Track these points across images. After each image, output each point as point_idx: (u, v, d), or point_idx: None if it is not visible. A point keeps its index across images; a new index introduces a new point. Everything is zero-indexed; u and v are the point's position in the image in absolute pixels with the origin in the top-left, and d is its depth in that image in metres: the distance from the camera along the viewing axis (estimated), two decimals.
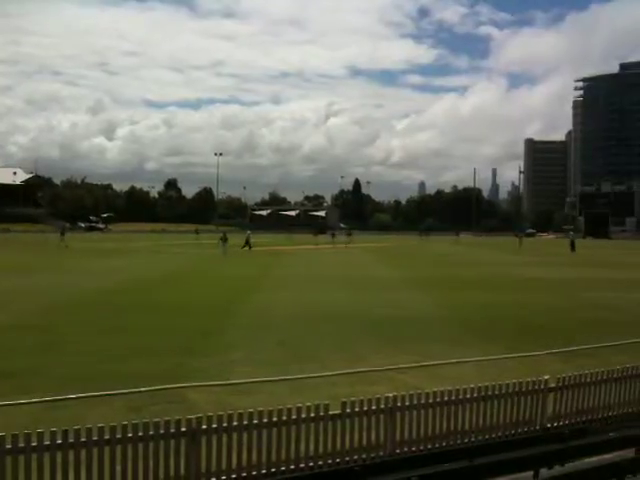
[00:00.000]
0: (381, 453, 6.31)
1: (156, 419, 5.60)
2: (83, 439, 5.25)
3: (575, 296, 20.68)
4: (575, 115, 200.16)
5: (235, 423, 5.78)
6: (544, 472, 5.90)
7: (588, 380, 7.57)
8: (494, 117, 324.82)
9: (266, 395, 8.46)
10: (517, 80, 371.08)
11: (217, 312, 16.30)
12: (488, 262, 39.70)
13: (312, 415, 6.06)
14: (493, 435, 6.92)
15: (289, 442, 5.95)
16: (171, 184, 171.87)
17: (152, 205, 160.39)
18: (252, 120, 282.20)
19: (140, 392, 8.49)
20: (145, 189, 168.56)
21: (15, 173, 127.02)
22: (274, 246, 56.47)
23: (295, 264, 36.30)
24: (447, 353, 11.27)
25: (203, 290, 21.73)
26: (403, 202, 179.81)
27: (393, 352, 11.40)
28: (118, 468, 5.36)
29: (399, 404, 6.45)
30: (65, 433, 5.22)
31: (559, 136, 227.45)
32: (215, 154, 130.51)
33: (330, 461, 6.10)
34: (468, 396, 6.82)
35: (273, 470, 5.89)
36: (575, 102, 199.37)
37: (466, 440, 6.76)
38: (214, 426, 5.68)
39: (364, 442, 6.27)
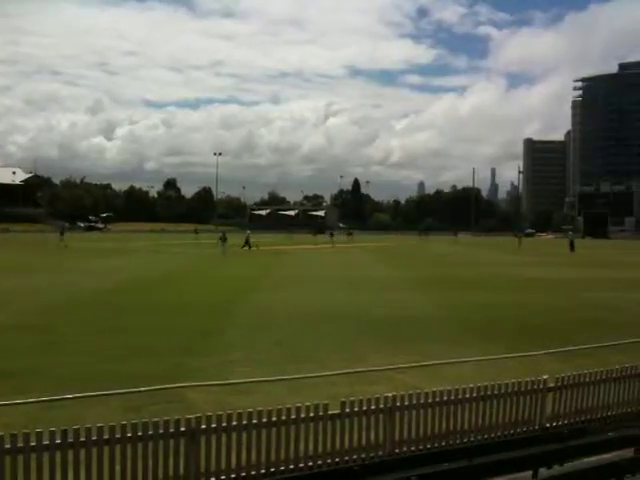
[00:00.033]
0: (380, 453, 6.32)
1: (155, 419, 5.60)
2: (82, 439, 5.25)
3: (574, 296, 20.70)
4: (574, 115, 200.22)
5: (234, 423, 5.78)
6: (543, 472, 5.90)
7: (587, 380, 7.58)
8: (493, 117, 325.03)
9: (265, 395, 8.46)
10: (516, 80, 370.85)
11: (216, 312, 16.30)
12: (487, 262, 39.72)
13: (311, 415, 6.07)
14: (492, 435, 6.93)
15: (288, 442, 5.95)
16: (170, 184, 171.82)
17: (151, 205, 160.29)
18: (251, 120, 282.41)
19: (139, 392, 8.49)
20: (144, 189, 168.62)
21: (14, 173, 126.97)
22: (273, 246, 56.46)
23: (294, 264, 36.31)
24: (446, 353, 11.27)
25: (202, 290, 21.73)
26: (402, 202, 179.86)
27: (392, 352, 11.40)
28: (117, 468, 5.36)
29: (398, 404, 6.46)
30: (64, 433, 5.22)
31: (558, 136, 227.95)
32: (214, 154, 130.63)
33: (329, 461, 6.10)
34: (467, 396, 6.83)
35: (272, 470, 5.89)
36: (574, 102, 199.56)
37: (465, 440, 6.76)
38: (213, 426, 5.69)
39: (363, 442, 6.27)
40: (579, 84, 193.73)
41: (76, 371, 9.75)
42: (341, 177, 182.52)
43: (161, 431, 5.50)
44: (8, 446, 5.04)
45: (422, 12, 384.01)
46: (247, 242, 49.11)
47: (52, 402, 8.03)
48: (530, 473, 5.86)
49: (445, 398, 6.71)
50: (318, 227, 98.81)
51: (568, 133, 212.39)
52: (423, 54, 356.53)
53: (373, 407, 6.35)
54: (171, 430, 5.53)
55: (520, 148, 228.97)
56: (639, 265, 38.07)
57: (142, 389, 8.58)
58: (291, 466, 5.96)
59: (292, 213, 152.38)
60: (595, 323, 15.18)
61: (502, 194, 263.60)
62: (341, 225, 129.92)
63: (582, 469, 5.96)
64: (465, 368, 10.32)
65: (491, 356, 11.15)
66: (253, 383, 9.21)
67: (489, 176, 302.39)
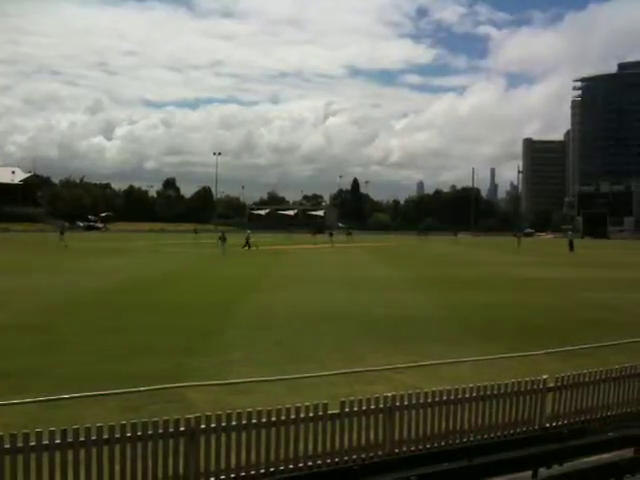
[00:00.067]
0: (380, 452, 6.32)
1: (155, 419, 5.60)
2: (82, 439, 5.25)
3: (574, 296, 20.71)
4: (573, 115, 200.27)
5: (234, 423, 5.78)
6: (543, 472, 5.90)
7: (587, 380, 7.59)
8: (493, 117, 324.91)
9: (265, 395, 8.46)
10: (516, 80, 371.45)
11: (216, 312, 16.30)
12: (487, 262, 39.73)
13: (311, 415, 6.07)
14: (492, 435, 6.94)
15: (288, 442, 5.95)
16: (170, 183, 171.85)
17: (151, 204, 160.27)
18: (251, 120, 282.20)
19: (139, 392, 8.49)
20: (144, 188, 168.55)
21: (14, 172, 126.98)
22: (273, 245, 56.46)
23: (294, 264, 36.31)
24: (446, 353, 11.27)
25: (202, 290, 21.72)
26: (402, 202, 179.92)
27: (392, 352, 11.40)
28: (117, 468, 5.36)
29: (398, 404, 6.46)
30: (64, 433, 5.22)
31: (557, 136, 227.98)
32: (214, 154, 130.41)
33: (329, 460, 6.10)
34: (467, 396, 6.83)
35: (272, 470, 5.89)
36: (573, 102, 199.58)
37: (465, 440, 6.77)
38: (213, 426, 5.69)
39: (363, 441, 6.28)
40: (578, 84, 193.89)
41: (76, 371, 9.75)
42: (340, 177, 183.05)
43: (161, 431, 5.50)
44: (8, 446, 5.04)
45: (422, 12, 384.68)
46: (247, 242, 49.12)
47: (52, 402, 8.03)
48: (530, 473, 5.86)
49: (445, 398, 6.71)
50: (317, 227, 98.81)
51: (567, 133, 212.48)
52: (423, 54, 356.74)
53: (373, 407, 6.36)
54: (171, 430, 5.53)
55: (520, 148, 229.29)
56: (638, 265, 38.09)
57: (141, 389, 8.58)
58: (291, 466, 5.96)
59: (291, 213, 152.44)
60: (594, 323, 15.19)
61: (502, 194, 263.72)
62: (340, 225, 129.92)
63: (582, 469, 5.96)
64: (464, 368, 10.32)
65: (491, 356, 11.16)
66: (253, 383, 9.21)
67: (489, 176, 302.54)
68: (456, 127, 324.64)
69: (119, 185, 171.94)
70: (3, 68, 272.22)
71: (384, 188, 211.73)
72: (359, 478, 5.59)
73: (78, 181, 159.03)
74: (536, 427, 7.18)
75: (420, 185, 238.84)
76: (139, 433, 5.43)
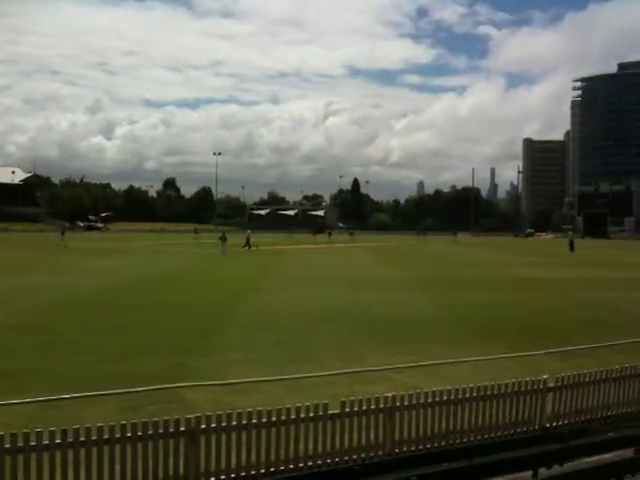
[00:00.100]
0: (380, 452, 6.32)
1: (155, 419, 5.60)
2: (82, 439, 5.25)
3: (574, 296, 20.70)
4: (573, 115, 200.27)
5: (234, 423, 5.78)
6: (543, 472, 5.90)
7: (587, 380, 7.58)
8: (492, 117, 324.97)
9: (265, 395, 8.46)
10: (515, 80, 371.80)
11: (216, 312, 16.30)
12: (487, 262, 39.73)
13: (311, 415, 6.07)
14: (492, 435, 6.93)
15: (288, 442, 5.95)
16: (170, 183, 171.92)
17: (151, 205, 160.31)
18: (251, 120, 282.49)
19: (138, 392, 8.49)
20: (144, 188, 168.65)
21: (14, 172, 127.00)
22: (273, 245, 56.47)
23: (294, 264, 36.31)
24: (446, 353, 11.27)
25: (202, 290, 21.72)
26: (402, 202, 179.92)
27: (392, 352, 11.40)
28: (117, 468, 5.35)
29: (398, 404, 6.46)
30: (64, 433, 5.22)
31: (557, 136, 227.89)
32: (214, 154, 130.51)
33: (329, 460, 6.10)
34: (467, 396, 6.83)
35: (272, 470, 5.89)
36: (573, 102, 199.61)
37: (465, 440, 6.76)
38: (213, 426, 5.68)
39: (363, 442, 6.27)
40: (578, 84, 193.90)
41: (76, 371, 9.74)
42: (341, 177, 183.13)
43: (161, 431, 5.50)
44: (8, 446, 5.04)
45: (421, 12, 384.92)
46: (248, 242, 49.13)
47: (52, 402, 8.03)
48: (530, 473, 5.87)
49: (445, 398, 6.71)
50: (318, 227, 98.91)
51: (567, 133, 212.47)
52: (423, 54, 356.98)
53: (373, 407, 6.35)
54: (171, 430, 5.53)
55: (519, 148, 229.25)
56: (638, 265, 38.08)
57: (140, 389, 8.58)
58: (291, 466, 5.96)
59: (292, 213, 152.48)
60: (594, 323, 15.18)
61: (502, 194, 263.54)
62: (340, 225, 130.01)
63: (582, 469, 5.96)
64: (464, 368, 10.32)
65: (491, 356, 11.15)
66: (253, 383, 9.21)
67: (489, 176, 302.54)
68: (456, 127, 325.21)
69: (119, 185, 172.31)
70: (3, 68, 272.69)
71: (384, 188, 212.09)
72: (359, 478, 5.60)
73: (78, 181, 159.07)
74: (536, 427, 7.17)
75: (420, 185, 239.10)
76: (139, 433, 5.42)
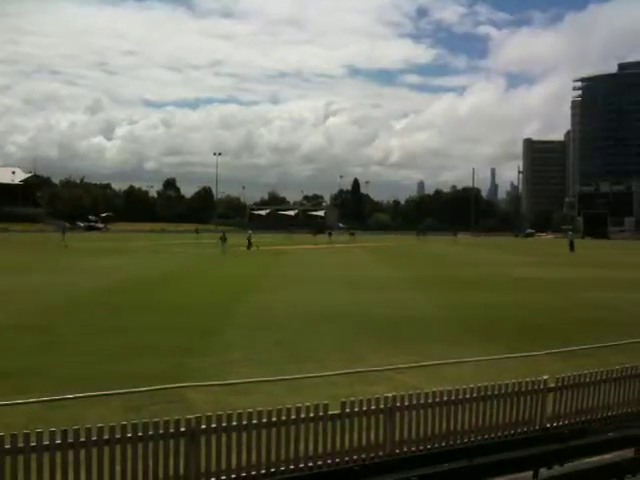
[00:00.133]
0: (381, 453, 6.31)
1: (155, 419, 5.60)
2: (82, 439, 5.25)
3: (574, 296, 20.70)
4: (574, 115, 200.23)
5: (234, 423, 5.78)
6: (543, 472, 5.90)
7: (587, 380, 7.58)
8: (493, 117, 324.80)
9: (265, 395, 8.46)
10: (515, 80, 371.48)
11: (216, 312, 16.30)
12: (487, 262, 39.72)
13: (311, 415, 6.06)
14: (492, 435, 6.93)
15: (288, 442, 5.95)
16: (170, 184, 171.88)
17: (151, 205, 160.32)
18: (251, 120, 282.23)
19: (139, 392, 8.49)
20: (144, 189, 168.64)
21: (14, 172, 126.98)
22: (273, 246, 56.48)
23: (294, 264, 36.31)
24: (446, 353, 11.27)
25: (202, 290, 21.72)
26: (402, 202, 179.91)
27: (392, 352, 11.40)
28: (118, 468, 5.35)
29: (398, 404, 6.45)
30: (64, 433, 5.22)
31: (558, 136, 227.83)
32: (214, 154, 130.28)
33: (330, 461, 6.10)
34: (467, 396, 6.82)
35: (273, 470, 5.89)
36: (573, 102, 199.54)
37: (465, 440, 6.76)
38: (213, 426, 5.68)
39: (364, 442, 6.27)
40: (578, 84, 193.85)
41: (76, 371, 9.74)
42: (341, 177, 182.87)
43: (161, 431, 5.50)
44: (8, 446, 5.04)
45: (421, 12, 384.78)
46: (249, 242, 49.17)
47: (52, 402, 8.03)
48: (530, 473, 5.87)
49: (445, 398, 6.71)
50: (318, 227, 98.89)
51: (568, 133, 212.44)
52: (422, 54, 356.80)
53: (373, 407, 6.35)
54: (171, 430, 5.53)
55: (520, 148, 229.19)
56: (638, 265, 38.08)
57: (142, 389, 8.58)
58: (291, 466, 5.95)
59: (292, 213, 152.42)
60: (595, 323, 15.18)
61: (502, 194, 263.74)
62: (341, 225, 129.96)
63: (583, 469, 5.96)
64: (465, 368, 10.32)
65: (491, 356, 11.15)
66: (253, 383, 9.21)
67: (489, 176, 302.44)
68: (456, 127, 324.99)
69: (119, 185, 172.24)
70: (3, 68, 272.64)
71: (384, 188, 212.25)
72: (360, 478, 5.60)
73: (78, 181, 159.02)
74: (537, 427, 7.17)
75: (420, 185, 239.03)
76: (140, 433, 5.42)
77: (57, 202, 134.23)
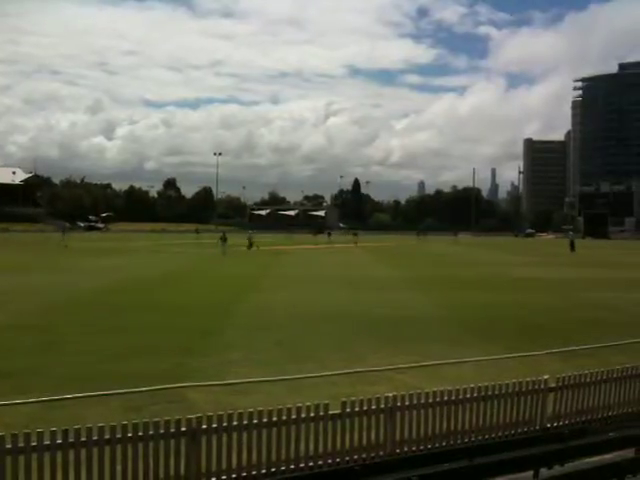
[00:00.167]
0: (381, 453, 6.32)
1: (156, 419, 5.60)
2: (83, 439, 5.25)
3: (574, 296, 20.70)
4: (574, 115, 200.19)
5: (235, 423, 5.78)
6: (544, 472, 5.90)
7: (588, 380, 7.58)
8: (493, 117, 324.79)
9: (265, 395, 8.46)
10: (516, 80, 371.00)
11: (216, 312, 16.30)
12: (487, 262, 39.72)
13: (312, 415, 6.07)
14: (493, 435, 6.93)
15: (289, 442, 5.95)
16: (170, 184, 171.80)
17: (151, 205, 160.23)
18: (251, 120, 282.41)
19: (140, 392, 8.49)
20: (144, 189, 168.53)
21: (14, 173, 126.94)
22: (274, 246, 56.47)
23: (294, 264, 36.31)
24: (446, 353, 11.27)
25: (202, 290, 21.72)
26: (402, 202, 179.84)
27: (392, 352, 11.40)
28: (118, 468, 5.36)
29: (399, 404, 6.46)
30: (65, 433, 5.22)
31: (558, 136, 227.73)
32: (214, 154, 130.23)
33: (330, 461, 6.10)
34: (468, 396, 6.82)
35: (273, 470, 5.89)
36: (574, 102, 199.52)
37: (466, 440, 6.76)
38: (214, 426, 5.68)
39: (364, 442, 6.27)
40: (579, 84, 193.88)
41: (76, 371, 9.74)
42: (341, 177, 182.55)
43: (162, 431, 5.50)
44: (9, 446, 5.04)
45: (422, 12, 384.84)
46: (250, 242, 49.17)
47: (53, 402, 8.03)
48: (531, 473, 5.87)
49: (446, 398, 6.71)
50: (318, 227, 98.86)
51: (568, 133, 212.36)
52: (423, 54, 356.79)
53: (374, 407, 6.35)
54: (172, 430, 5.53)
55: (520, 148, 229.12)
56: (639, 265, 38.06)
57: (143, 389, 8.58)
58: (291, 466, 5.96)
59: (292, 213, 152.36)
60: (595, 323, 15.18)
61: (502, 194, 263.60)
62: (342, 225, 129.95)
63: (583, 469, 5.96)
64: (465, 368, 10.32)
65: (491, 356, 11.15)
66: (253, 383, 9.21)
67: (489, 176, 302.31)
68: (456, 127, 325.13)
69: (120, 185, 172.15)
70: (3, 68, 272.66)
71: (385, 188, 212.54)
72: (360, 478, 5.60)
73: (79, 181, 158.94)
74: (537, 427, 7.17)
75: (421, 185, 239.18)
76: (140, 433, 5.43)
77: (57, 202, 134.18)
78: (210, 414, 5.76)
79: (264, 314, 15.83)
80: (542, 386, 7.25)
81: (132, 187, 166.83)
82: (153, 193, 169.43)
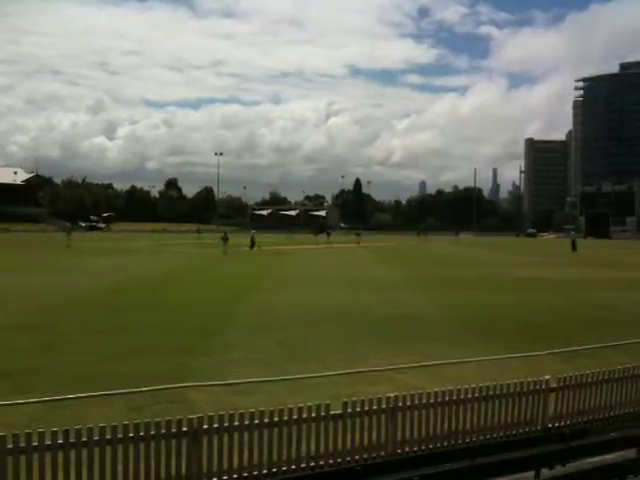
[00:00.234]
0: (382, 453, 6.31)
1: (157, 419, 5.60)
2: (84, 439, 5.25)
3: (576, 296, 20.67)
4: (575, 115, 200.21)
5: (236, 423, 5.78)
6: (545, 472, 5.89)
7: (589, 380, 7.57)
8: (494, 117, 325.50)
9: (266, 395, 8.45)
10: (517, 80, 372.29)
11: (217, 312, 16.29)
12: (488, 262, 39.68)
13: (313, 415, 6.06)
14: (494, 435, 6.92)
15: (290, 442, 5.95)
16: (172, 184, 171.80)
17: (153, 205, 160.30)
18: (252, 120, 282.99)
19: (141, 392, 8.48)
20: (146, 189, 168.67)
21: (16, 173, 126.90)
22: (275, 246, 56.47)
23: (295, 264, 36.30)
24: (447, 353, 11.26)
25: (203, 290, 21.72)
26: (404, 202, 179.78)
27: (393, 352, 11.39)
28: (120, 468, 5.35)
29: (400, 404, 6.45)
30: (66, 433, 5.22)
31: (559, 136, 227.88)
32: (215, 154, 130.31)
33: (331, 461, 6.09)
34: (469, 396, 6.82)
35: (274, 470, 5.89)
36: (575, 102, 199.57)
37: (467, 440, 6.75)
38: (215, 426, 5.68)
39: (365, 442, 6.27)
40: (580, 84, 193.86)
41: (76, 371, 9.74)
42: (342, 177, 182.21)
43: (163, 431, 5.49)
44: (10, 446, 5.04)
45: (423, 12, 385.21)
46: (252, 242, 49.17)
47: (54, 402, 8.03)
48: (532, 473, 5.86)
49: (447, 398, 6.70)
50: (319, 227, 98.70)
51: (569, 133, 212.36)
52: (424, 54, 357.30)
53: (375, 407, 6.35)
54: (173, 430, 5.53)
55: (521, 148, 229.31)
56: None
57: (144, 389, 8.58)
58: (293, 466, 5.95)
59: (293, 213, 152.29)
60: (597, 323, 15.16)
61: (504, 194, 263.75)
62: (343, 225, 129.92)
63: (584, 469, 5.95)
64: (466, 368, 10.31)
65: (493, 356, 11.14)
66: (255, 383, 9.20)
67: (491, 176, 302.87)
68: (458, 127, 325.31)
69: (121, 185, 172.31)
70: (4, 68, 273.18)
71: (386, 188, 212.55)
72: (361, 479, 5.59)
73: (80, 181, 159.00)
74: (538, 427, 7.16)
75: (422, 185, 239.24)
76: (141, 433, 5.43)
77: (59, 202, 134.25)
78: (211, 414, 5.76)
79: (265, 314, 15.82)
80: (543, 386, 7.24)
81: (133, 187, 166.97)
82: (154, 193, 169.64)
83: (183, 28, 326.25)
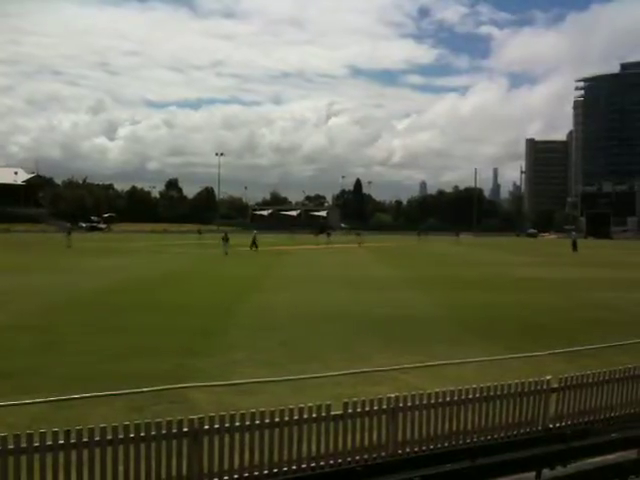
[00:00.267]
0: (383, 453, 6.31)
1: (158, 419, 5.60)
2: (85, 439, 5.25)
3: (577, 296, 20.67)
4: (576, 115, 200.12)
5: (237, 423, 5.77)
6: (546, 473, 5.89)
7: (590, 381, 7.57)
8: (495, 117, 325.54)
9: (268, 395, 8.45)
10: (518, 80, 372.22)
11: (219, 312, 16.29)
12: (489, 262, 39.67)
13: (314, 415, 6.06)
14: (495, 435, 6.92)
15: (291, 442, 5.94)
16: (172, 184, 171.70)
17: (153, 205, 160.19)
18: (253, 120, 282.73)
19: (142, 392, 8.48)
20: (146, 189, 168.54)
21: (16, 173, 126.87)
22: (275, 246, 56.46)
23: (296, 264, 36.30)
24: (448, 353, 11.26)
25: (204, 290, 21.72)
26: (404, 202, 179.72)
27: (395, 352, 11.39)
28: (120, 468, 5.35)
29: (401, 404, 6.45)
30: (67, 433, 5.22)
31: (560, 136, 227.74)
32: (216, 154, 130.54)
33: (332, 461, 6.09)
34: (470, 396, 6.81)
35: (275, 470, 5.89)
36: (576, 102, 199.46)
37: (468, 440, 6.75)
38: (216, 426, 5.68)
39: (366, 442, 6.26)
40: (581, 84, 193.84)
41: (77, 371, 9.74)
42: (343, 177, 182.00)
43: (164, 432, 5.49)
44: (11, 446, 5.04)
45: (423, 12, 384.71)
46: (254, 242, 49.18)
47: (55, 402, 8.02)
48: (533, 474, 5.86)
49: (448, 399, 6.70)
50: (320, 227, 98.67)
51: (570, 133, 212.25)
52: (424, 54, 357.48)
53: (376, 408, 6.34)
54: (174, 431, 5.53)
55: (522, 148, 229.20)
56: None
57: (145, 389, 8.58)
58: (293, 467, 5.95)
59: (294, 213, 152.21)
60: (598, 323, 15.15)
61: (504, 194, 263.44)
62: (343, 225, 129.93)
63: (585, 470, 5.94)
64: (468, 368, 10.31)
65: (494, 356, 11.13)
66: (256, 383, 9.20)
67: (491, 176, 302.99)
68: (458, 127, 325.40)
69: (121, 186, 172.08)
70: (5, 68, 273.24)
71: (386, 188, 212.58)
72: (362, 479, 5.59)
73: (81, 182, 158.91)
74: (539, 428, 7.16)
75: (423, 185, 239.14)
76: (142, 434, 5.42)
77: (59, 202, 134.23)
78: (212, 414, 5.76)
79: (266, 314, 15.82)
80: (544, 387, 7.24)
81: (134, 187, 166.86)
82: (155, 193, 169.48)
83: (183, 28, 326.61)
